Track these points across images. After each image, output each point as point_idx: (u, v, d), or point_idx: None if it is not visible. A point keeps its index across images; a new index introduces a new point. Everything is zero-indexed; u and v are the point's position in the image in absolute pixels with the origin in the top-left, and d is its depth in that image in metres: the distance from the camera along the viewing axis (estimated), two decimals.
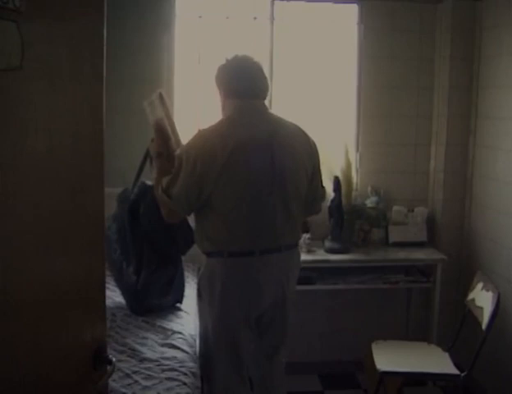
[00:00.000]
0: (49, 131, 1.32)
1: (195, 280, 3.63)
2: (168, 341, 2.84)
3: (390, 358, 3.47)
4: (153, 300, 3.14)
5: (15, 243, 1.21)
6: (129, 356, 2.65)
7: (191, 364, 2.68)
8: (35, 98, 1.25)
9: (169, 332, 2.93)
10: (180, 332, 2.95)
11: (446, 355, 3.52)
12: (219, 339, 2.78)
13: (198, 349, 2.95)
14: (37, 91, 1.26)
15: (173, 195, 2.66)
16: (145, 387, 2.42)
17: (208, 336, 2.82)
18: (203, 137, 2.69)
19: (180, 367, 2.61)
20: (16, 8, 1.15)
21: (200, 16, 4.19)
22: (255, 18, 4.26)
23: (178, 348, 2.78)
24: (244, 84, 2.76)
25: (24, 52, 1.16)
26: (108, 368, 1.56)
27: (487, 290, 3.39)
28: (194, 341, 2.98)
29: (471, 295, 3.57)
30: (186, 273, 3.79)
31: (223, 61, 2.81)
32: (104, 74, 1.51)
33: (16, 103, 1.18)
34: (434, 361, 3.50)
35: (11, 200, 1.19)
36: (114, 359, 1.56)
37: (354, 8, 4.32)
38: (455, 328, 3.66)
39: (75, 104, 1.43)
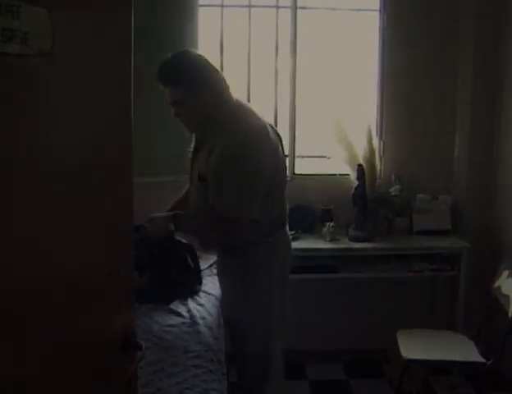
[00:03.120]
0: (78, 117, 1.32)
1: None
2: (193, 329, 2.85)
3: (415, 346, 3.45)
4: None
5: (43, 231, 1.21)
6: (154, 344, 2.66)
7: (217, 351, 2.70)
8: (65, 84, 1.26)
9: (194, 320, 2.93)
10: (203, 318, 2.97)
11: (472, 343, 3.50)
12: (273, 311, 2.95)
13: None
14: (66, 76, 1.26)
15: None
16: (171, 374, 2.44)
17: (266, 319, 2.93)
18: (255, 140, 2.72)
19: (206, 354, 2.63)
20: None
21: (222, 5, 4.19)
22: (277, 6, 4.25)
23: (203, 335, 2.80)
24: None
25: (54, 38, 1.17)
26: (138, 353, 1.57)
27: None
28: (219, 328, 2.99)
29: (497, 283, 3.54)
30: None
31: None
32: (132, 60, 1.51)
33: (47, 88, 1.19)
34: (459, 349, 3.48)
35: (41, 187, 1.20)
36: (144, 345, 1.57)
37: None
38: (481, 316, 3.63)
39: (103, 91, 1.43)
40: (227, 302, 3.06)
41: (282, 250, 2.99)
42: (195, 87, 2.67)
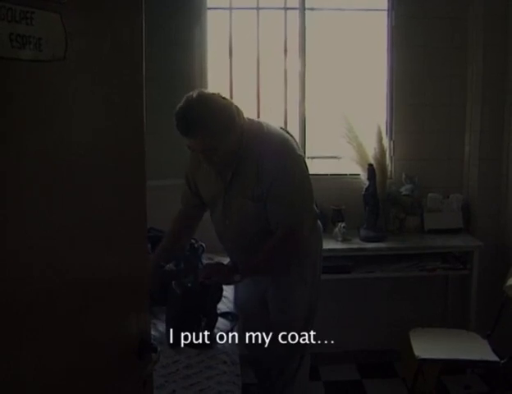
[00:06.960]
0: (91, 123, 1.33)
1: None
2: None
3: (428, 345, 3.45)
4: None
5: (59, 235, 1.22)
6: (168, 346, 2.67)
7: (230, 353, 2.70)
8: (78, 89, 1.27)
9: None
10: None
11: (485, 341, 3.49)
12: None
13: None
14: (79, 82, 1.27)
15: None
16: (186, 376, 2.44)
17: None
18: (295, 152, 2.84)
19: (220, 356, 2.63)
20: (60, 0, 1.16)
21: (230, 8, 4.20)
22: (286, 8, 4.25)
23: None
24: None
25: (67, 43, 1.18)
26: (153, 356, 1.58)
27: None
28: (232, 329, 2.98)
29: (509, 282, 3.52)
30: None
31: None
32: (144, 65, 1.51)
33: (60, 94, 1.20)
34: (473, 348, 3.47)
35: (56, 194, 1.21)
36: (159, 348, 1.58)
37: None
38: (494, 315, 3.61)
39: (115, 96, 1.44)
40: (278, 299, 3.07)
41: (321, 237, 3.19)
42: (224, 129, 2.62)
